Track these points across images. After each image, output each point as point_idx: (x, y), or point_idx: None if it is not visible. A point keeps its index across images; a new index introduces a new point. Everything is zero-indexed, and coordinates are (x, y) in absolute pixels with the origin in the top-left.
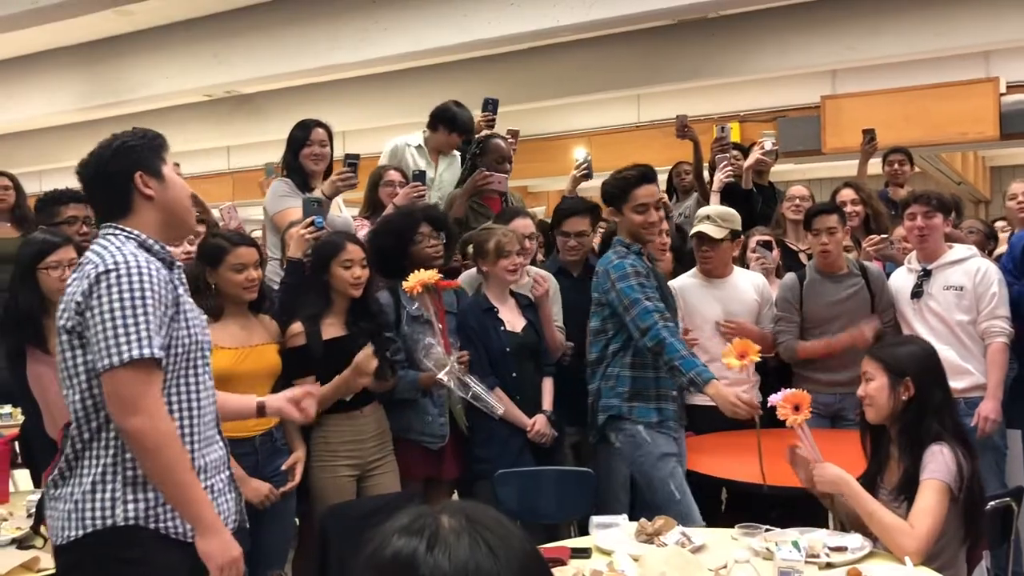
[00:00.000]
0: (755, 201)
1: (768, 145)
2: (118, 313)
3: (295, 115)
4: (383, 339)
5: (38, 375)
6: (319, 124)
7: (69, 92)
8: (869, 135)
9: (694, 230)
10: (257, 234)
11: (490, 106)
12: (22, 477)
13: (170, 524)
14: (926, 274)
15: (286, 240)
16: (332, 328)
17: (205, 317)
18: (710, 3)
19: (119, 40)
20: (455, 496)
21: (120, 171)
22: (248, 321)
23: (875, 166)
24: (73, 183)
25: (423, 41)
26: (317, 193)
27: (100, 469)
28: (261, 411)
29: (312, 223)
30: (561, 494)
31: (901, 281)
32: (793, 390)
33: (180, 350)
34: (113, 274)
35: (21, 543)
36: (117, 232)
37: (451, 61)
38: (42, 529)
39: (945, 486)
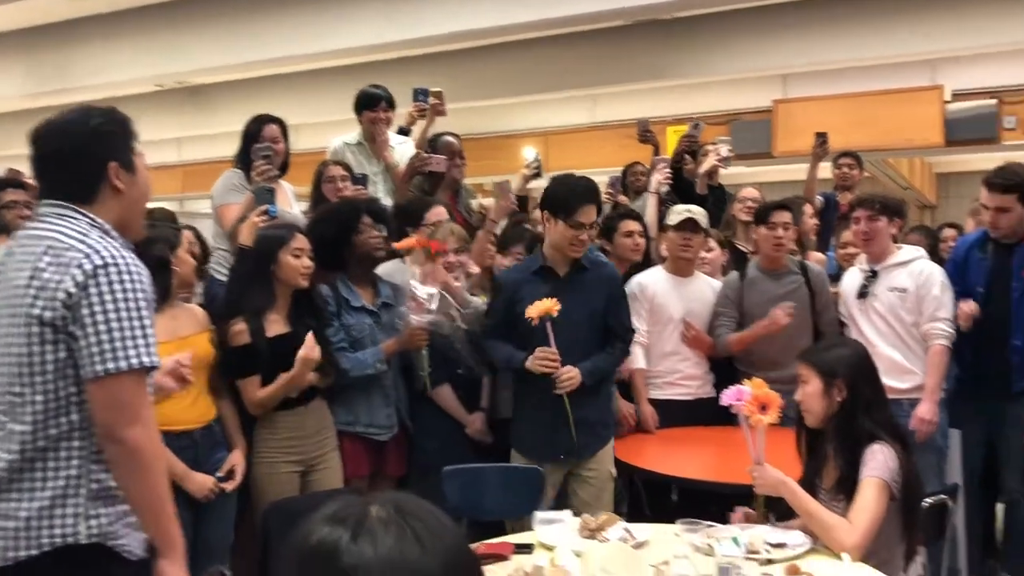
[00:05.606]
0: (706, 202)
1: (724, 151)
2: (124, 314)
3: (247, 107)
4: (325, 335)
5: None
6: (273, 120)
7: (12, 79)
8: (821, 138)
9: (679, 219)
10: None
11: (420, 96)
12: None
13: (123, 542)
14: (873, 275)
15: (237, 230)
16: (276, 325)
17: None
18: (665, 4)
19: (66, 26)
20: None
21: (94, 156)
22: (176, 311)
23: (824, 169)
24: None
25: (378, 35)
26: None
27: (63, 482)
28: None
29: (266, 212)
30: (508, 491)
31: (851, 281)
32: (765, 389)
33: None
34: (113, 270)
35: None
36: (79, 216)
37: (406, 57)
38: None
39: (884, 484)
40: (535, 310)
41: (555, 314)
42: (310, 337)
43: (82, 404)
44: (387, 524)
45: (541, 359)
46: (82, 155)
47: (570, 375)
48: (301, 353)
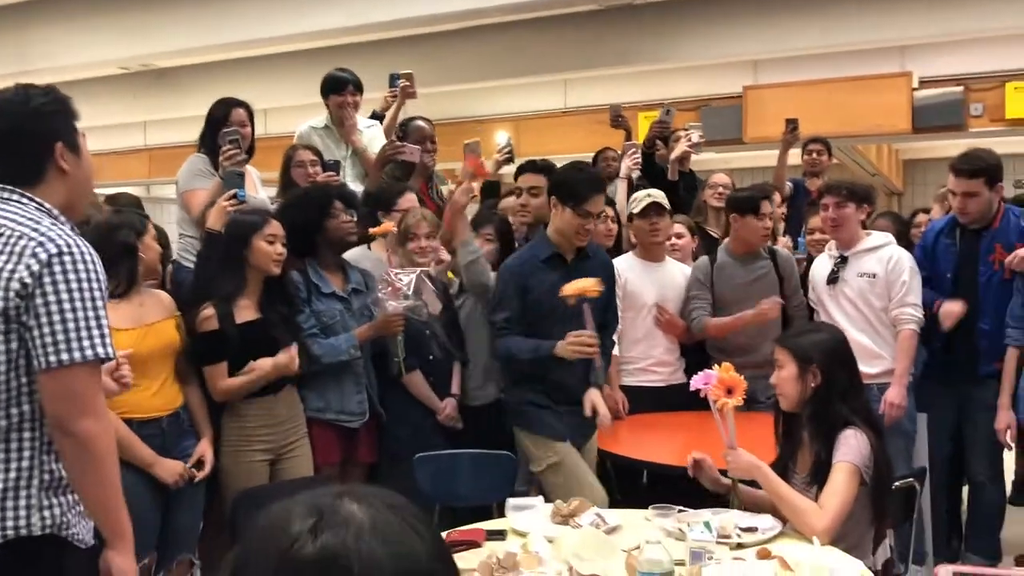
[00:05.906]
0: (677, 188)
1: (695, 138)
2: (79, 304)
3: (215, 91)
4: (296, 324)
5: None
6: (239, 104)
7: None
8: (791, 124)
9: (642, 206)
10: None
11: (397, 82)
12: None
13: (75, 531)
14: (843, 260)
15: (205, 215)
16: (245, 311)
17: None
18: None
19: (26, 6)
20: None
21: (38, 136)
22: (142, 297)
23: (793, 155)
24: None
25: (349, 18)
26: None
27: (14, 474)
28: None
29: (235, 196)
30: (480, 477)
31: (821, 267)
32: (729, 372)
33: None
34: (68, 259)
35: None
36: (26, 201)
37: (376, 40)
38: None
39: (855, 469)
40: (572, 288)
41: (592, 295)
42: (294, 349)
43: (33, 395)
44: (386, 520)
45: (576, 343)
46: (26, 136)
47: (601, 403)
48: (282, 359)
